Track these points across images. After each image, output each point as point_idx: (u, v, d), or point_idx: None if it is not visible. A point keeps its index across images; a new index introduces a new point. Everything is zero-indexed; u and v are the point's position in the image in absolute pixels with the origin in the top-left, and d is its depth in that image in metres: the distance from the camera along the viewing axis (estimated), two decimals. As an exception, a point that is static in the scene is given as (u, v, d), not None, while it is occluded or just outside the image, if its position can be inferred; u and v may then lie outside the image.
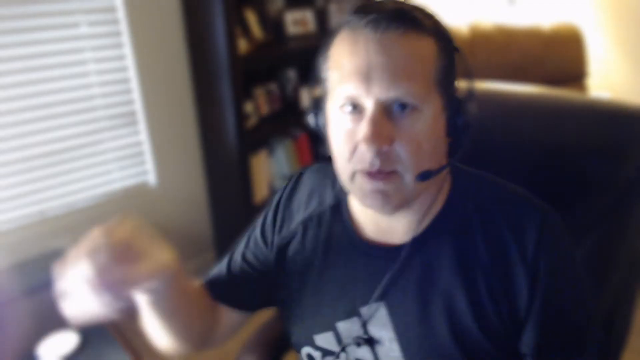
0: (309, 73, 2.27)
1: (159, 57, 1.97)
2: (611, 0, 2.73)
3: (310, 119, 0.70)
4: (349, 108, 0.59)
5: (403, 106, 0.57)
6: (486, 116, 0.74)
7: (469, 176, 0.71)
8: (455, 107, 0.62)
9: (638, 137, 0.83)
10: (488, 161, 0.76)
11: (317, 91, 0.68)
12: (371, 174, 0.59)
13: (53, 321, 1.36)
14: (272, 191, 2.21)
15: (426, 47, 0.59)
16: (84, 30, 1.79)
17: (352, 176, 0.62)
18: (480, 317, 0.63)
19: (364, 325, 0.69)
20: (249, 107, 2.03)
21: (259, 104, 2.13)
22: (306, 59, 2.26)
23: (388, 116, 0.57)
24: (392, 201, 0.61)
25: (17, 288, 1.52)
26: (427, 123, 0.59)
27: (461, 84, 0.65)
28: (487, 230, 0.65)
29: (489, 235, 0.65)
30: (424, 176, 0.60)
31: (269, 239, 0.79)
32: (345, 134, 0.60)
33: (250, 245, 0.81)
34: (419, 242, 0.67)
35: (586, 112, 0.89)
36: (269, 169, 2.21)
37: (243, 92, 1.93)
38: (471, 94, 0.64)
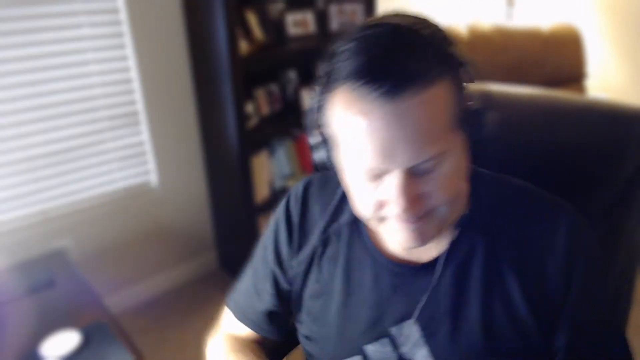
0: (309, 74, 2.29)
1: (161, 58, 1.99)
2: (610, 2, 2.74)
3: (318, 156, 0.65)
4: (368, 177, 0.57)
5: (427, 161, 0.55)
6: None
7: (488, 178, 0.69)
8: (472, 120, 0.59)
9: (636, 138, 0.84)
10: (487, 163, 0.77)
11: (315, 138, 0.64)
12: (406, 219, 0.57)
13: (55, 320, 1.37)
14: (273, 191, 2.22)
15: (440, 94, 0.53)
16: (86, 31, 1.80)
17: (381, 220, 0.60)
18: (515, 321, 0.62)
19: (396, 346, 0.66)
20: (249, 107, 2.04)
21: (260, 105, 2.14)
22: (307, 60, 2.29)
23: (416, 175, 0.55)
24: (427, 237, 0.59)
25: (20, 287, 1.53)
26: (455, 161, 0.57)
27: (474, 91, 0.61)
28: (516, 231, 0.64)
29: (518, 237, 0.64)
30: (465, 220, 0.61)
31: (286, 263, 0.75)
32: (367, 193, 0.58)
33: (264, 272, 0.78)
34: (449, 255, 0.65)
35: (585, 113, 0.90)
36: (270, 169, 2.22)
37: (244, 92, 1.94)
38: (485, 103, 0.61)
